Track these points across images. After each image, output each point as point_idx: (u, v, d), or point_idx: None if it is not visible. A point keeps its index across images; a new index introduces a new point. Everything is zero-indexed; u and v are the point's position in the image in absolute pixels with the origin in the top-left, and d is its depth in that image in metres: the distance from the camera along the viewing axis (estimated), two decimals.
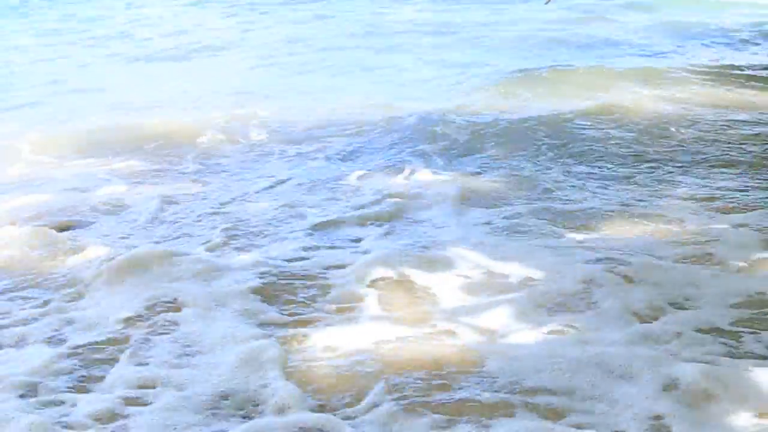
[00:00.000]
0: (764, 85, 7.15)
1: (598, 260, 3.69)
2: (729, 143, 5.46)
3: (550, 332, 3.12)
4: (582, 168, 5.12)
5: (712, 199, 4.45)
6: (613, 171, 5.02)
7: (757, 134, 5.65)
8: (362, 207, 4.61)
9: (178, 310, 3.39)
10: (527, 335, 3.11)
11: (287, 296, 3.52)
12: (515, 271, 3.66)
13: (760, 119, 6.03)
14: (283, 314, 3.36)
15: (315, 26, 11.89)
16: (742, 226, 4.04)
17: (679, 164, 5.07)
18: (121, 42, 10.97)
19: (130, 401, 2.74)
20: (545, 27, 10.69)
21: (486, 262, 3.76)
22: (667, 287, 3.43)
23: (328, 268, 3.78)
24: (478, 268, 3.72)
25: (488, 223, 4.29)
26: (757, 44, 9.08)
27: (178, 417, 2.64)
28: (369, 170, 5.28)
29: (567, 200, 4.56)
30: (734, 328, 3.09)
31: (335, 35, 10.92)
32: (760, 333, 3.05)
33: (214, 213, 4.58)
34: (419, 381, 2.82)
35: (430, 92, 7.48)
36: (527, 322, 3.21)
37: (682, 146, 5.44)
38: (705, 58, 8.54)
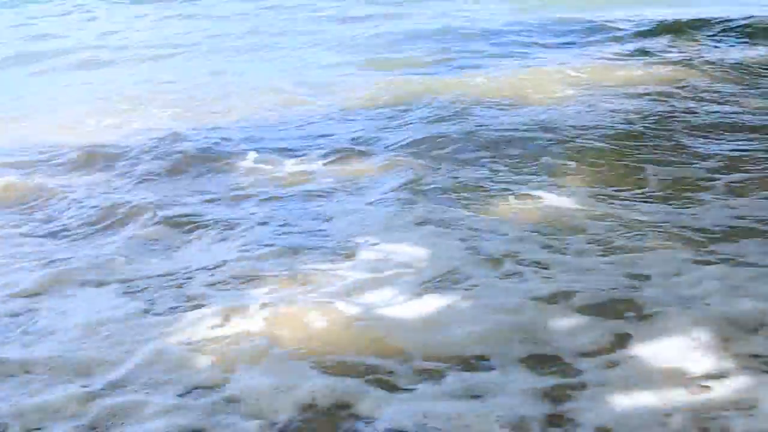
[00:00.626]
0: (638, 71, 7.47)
1: (488, 244, 3.84)
2: (615, 130, 5.65)
3: (434, 312, 3.23)
4: (480, 154, 5.26)
5: (604, 184, 4.62)
6: (512, 158, 5.16)
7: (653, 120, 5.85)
8: (260, 194, 4.73)
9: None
10: (414, 314, 3.22)
11: (177, 280, 3.64)
12: (408, 254, 3.79)
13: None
14: (168, 297, 3.47)
15: (228, 23, 11.86)
16: (630, 212, 4.18)
17: (569, 151, 5.24)
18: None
19: None
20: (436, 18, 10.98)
21: (381, 247, 3.90)
22: (551, 273, 3.54)
23: (221, 256, 3.88)
24: (374, 252, 3.85)
25: (386, 206, 4.45)
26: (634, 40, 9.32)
27: None
28: (272, 158, 5.38)
29: (463, 186, 4.70)
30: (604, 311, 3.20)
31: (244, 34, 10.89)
32: (637, 317, 3.14)
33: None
34: (307, 361, 2.92)
35: (333, 85, 7.59)
36: (415, 302, 3.32)
37: (573, 134, 5.59)
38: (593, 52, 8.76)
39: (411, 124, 6.05)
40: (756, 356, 2.79)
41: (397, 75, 7.86)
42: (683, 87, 6.65)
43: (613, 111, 6.06)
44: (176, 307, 3.40)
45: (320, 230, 4.21)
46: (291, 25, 11.30)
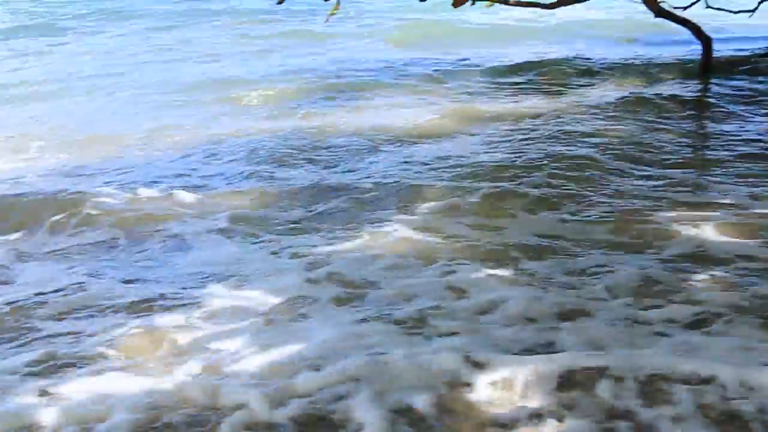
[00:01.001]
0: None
1: (335, 280, 3.95)
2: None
3: (280, 359, 3.23)
4: (336, 187, 5.37)
5: (449, 212, 4.83)
6: (369, 192, 5.27)
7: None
8: (107, 230, 4.73)
9: None
10: (256, 363, 3.20)
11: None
12: (256, 293, 3.84)
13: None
14: None
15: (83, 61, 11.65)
16: (461, 233, 4.51)
17: (424, 184, 5.40)
18: None
19: None
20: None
21: (229, 289, 3.92)
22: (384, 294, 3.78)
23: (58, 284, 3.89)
24: (222, 294, 3.87)
25: (237, 243, 4.52)
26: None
27: None
28: (124, 193, 5.38)
29: (318, 221, 4.81)
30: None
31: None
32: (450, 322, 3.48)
33: None
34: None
35: (189, 122, 7.60)
36: (258, 349, 3.32)
37: (429, 168, 5.81)
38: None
39: (266, 159, 6.15)
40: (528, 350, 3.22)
41: (250, 112, 7.97)
42: (541, 123, 6.97)
43: (469, 146, 6.34)
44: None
45: (169, 266, 4.24)
46: (148, 64, 11.19)
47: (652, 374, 2.97)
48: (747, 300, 3.55)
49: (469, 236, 4.45)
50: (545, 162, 5.65)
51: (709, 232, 4.35)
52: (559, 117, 7.15)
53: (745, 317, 3.40)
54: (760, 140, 6.17)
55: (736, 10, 9.82)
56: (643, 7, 9.14)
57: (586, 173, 5.39)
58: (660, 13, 9.06)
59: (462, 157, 5.98)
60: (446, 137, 6.61)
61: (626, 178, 5.30)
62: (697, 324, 3.38)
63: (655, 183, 5.21)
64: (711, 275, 3.85)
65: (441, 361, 3.09)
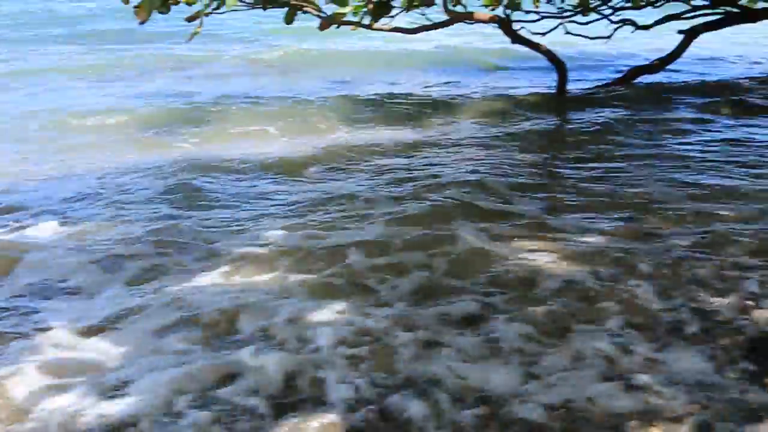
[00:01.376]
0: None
1: (183, 323, 3.89)
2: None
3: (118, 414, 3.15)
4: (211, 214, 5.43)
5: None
6: (209, 225, 5.27)
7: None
8: None
9: None
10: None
11: None
12: (99, 341, 3.73)
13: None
14: None
15: None
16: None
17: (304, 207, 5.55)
18: None
19: None
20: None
21: (68, 335, 3.79)
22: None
23: None
24: (60, 341, 3.74)
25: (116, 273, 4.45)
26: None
27: None
28: None
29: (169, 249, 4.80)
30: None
31: None
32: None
33: None
34: None
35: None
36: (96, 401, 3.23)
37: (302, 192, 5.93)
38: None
39: (104, 194, 6.01)
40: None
41: (94, 143, 7.76)
42: (397, 155, 7.13)
43: (323, 177, 6.44)
44: None
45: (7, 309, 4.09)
46: None
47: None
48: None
49: (314, 270, 4.48)
50: (395, 194, 5.80)
51: (540, 261, 4.54)
52: (417, 149, 7.33)
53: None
54: (606, 169, 6.47)
55: (593, 36, 10.24)
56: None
57: (434, 204, 5.51)
58: (517, 39, 9.39)
59: (313, 189, 6.06)
60: (302, 168, 6.64)
61: (471, 210, 5.42)
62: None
63: (501, 211, 5.40)
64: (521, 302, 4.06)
65: None
